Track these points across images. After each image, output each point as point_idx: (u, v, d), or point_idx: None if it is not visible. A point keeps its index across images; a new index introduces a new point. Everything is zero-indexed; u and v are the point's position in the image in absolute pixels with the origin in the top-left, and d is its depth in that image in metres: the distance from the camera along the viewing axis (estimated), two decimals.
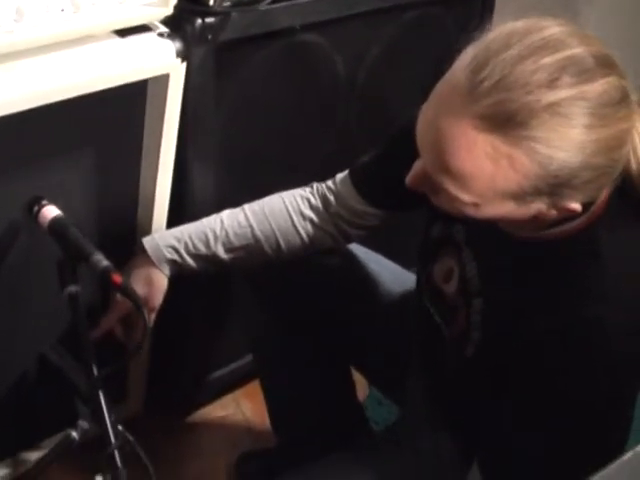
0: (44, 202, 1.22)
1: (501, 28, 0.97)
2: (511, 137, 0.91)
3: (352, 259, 1.49)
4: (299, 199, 1.37)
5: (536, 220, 1.02)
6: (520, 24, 0.96)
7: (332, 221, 1.37)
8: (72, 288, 1.17)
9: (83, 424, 1.23)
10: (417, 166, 1.04)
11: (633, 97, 0.96)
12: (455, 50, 0.98)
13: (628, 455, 0.78)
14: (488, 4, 1.82)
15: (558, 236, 1.06)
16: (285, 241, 1.36)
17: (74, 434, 1.23)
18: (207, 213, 1.38)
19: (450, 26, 1.75)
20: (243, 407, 1.90)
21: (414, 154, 1.05)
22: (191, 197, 1.45)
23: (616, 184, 1.02)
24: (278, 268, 1.41)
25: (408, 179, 1.05)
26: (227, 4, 1.29)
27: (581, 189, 0.96)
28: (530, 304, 1.08)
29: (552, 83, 0.91)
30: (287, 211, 1.36)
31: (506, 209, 0.98)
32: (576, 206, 0.98)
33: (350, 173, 1.37)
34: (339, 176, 1.38)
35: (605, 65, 0.94)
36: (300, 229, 1.36)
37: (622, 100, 0.94)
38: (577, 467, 0.89)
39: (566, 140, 0.92)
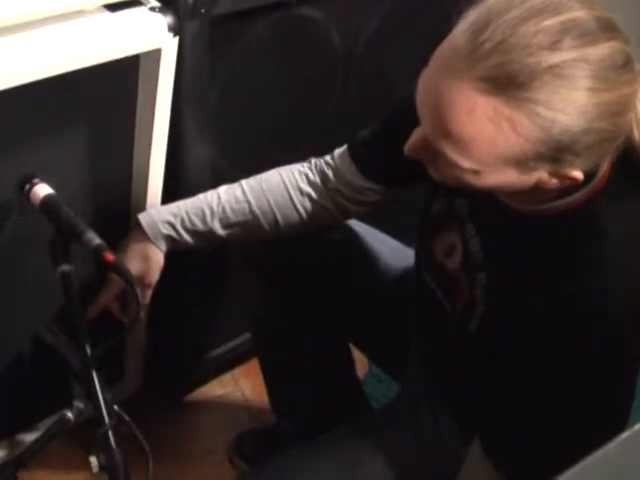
0: (35, 180, 1.20)
1: None
2: (512, 99, 0.89)
3: (350, 234, 1.48)
4: (297, 174, 1.35)
5: (537, 190, 1.00)
6: None
7: (331, 197, 1.35)
8: (64, 267, 1.15)
9: (78, 404, 1.22)
10: (416, 134, 1.02)
11: (637, 65, 0.94)
12: (456, 13, 0.95)
13: (627, 434, 0.77)
14: None
15: (560, 210, 1.04)
16: (283, 217, 1.34)
17: (69, 414, 1.22)
18: (202, 189, 1.37)
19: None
20: (242, 385, 1.89)
21: (413, 128, 1.03)
22: (186, 173, 1.43)
23: (618, 155, 1.01)
24: (275, 244, 1.39)
25: (407, 147, 1.03)
26: None
27: (583, 155, 0.94)
28: (533, 277, 1.07)
29: (554, 45, 0.89)
30: (285, 187, 1.34)
31: (507, 177, 0.97)
32: (578, 174, 0.96)
33: (349, 148, 1.35)
34: (337, 151, 1.36)
35: (608, 29, 0.92)
36: (298, 205, 1.34)
37: (625, 64, 0.92)
38: (578, 440, 0.88)
39: (568, 103, 0.90)
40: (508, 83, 0.89)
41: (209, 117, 1.40)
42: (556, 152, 0.93)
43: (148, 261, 1.31)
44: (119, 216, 1.39)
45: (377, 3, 1.58)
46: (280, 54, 1.46)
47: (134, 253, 1.31)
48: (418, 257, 1.36)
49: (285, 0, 1.40)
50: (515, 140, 0.91)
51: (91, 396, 1.12)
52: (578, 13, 0.91)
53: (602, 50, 0.90)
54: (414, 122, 1.02)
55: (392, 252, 1.51)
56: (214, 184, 1.38)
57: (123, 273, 1.11)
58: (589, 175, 1.02)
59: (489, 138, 0.92)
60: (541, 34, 0.89)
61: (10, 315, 1.35)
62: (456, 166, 0.97)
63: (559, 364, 1.05)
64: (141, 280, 1.31)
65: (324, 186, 1.35)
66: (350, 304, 1.49)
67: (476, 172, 0.97)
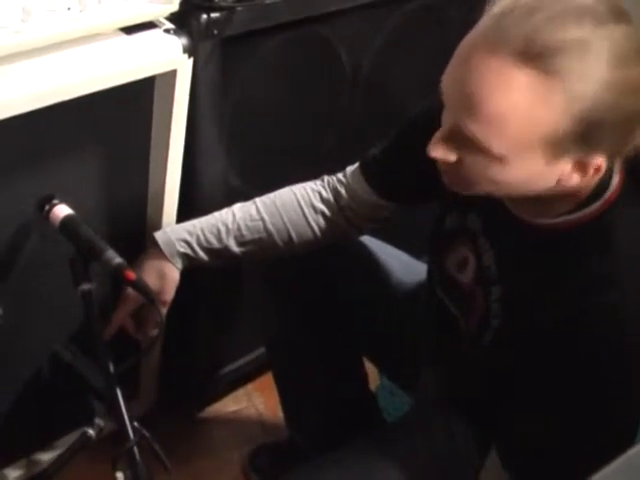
0: (55, 201, 1.22)
1: None
2: (544, 71, 0.92)
3: (363, 250, 1.50)
4: (310, 192, 1.37)
5: (554, 198, 1.02)
6: None
7: (343, 214, 1.37)
8: (85, 286, 1.17)
9: (99, 421, 1.24)
10: (440, 131, 1.03)
11: None
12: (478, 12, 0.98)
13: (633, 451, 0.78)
14: None
15: (574, 223, 1.06)
16: (297, 234, 1.36)
17: (90, 432, 1.24)
18: (216, 207, 1.39)
19: (452, 16, 1.74)
20: (255, 401, 1.91)
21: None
22: (200, 191, 1.45)
23: (629, 168, 1.03)
24: (291, 261, 1.41)
25: (430, 145, 1.04)
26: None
27: (608, 138, 0.96)
28: (547, 291, 1.09)
29: (579, 20, 0.92)
30: (299, 204, 1.36)
31: (533, 167, 0.98)
32: (601, 162, 0.97)
33: (361, 166, 1.37)
34: (349, 169, 1.38)
35: (622, 15, 0.96)
36: (312, 222, 1.36)
37: None
38: (592, 451, 0.90)
39: (596, 74, 0.92)
40: (539, 55, 0.92)
41: (222, 135, 1.42)
42: (584, 130, 0.94)
43: (164, 278, 1.33)
44: (135, 235, 1.40)
45: (382, 22, 1.60)
46: (290, 72, 1.48)
47: (151, 270, 1.32)
48: (430, 272, 1.38)
49: (293, 19, 1.42)
50: (546, 114, 0.93)
51: (114, 413, 1.13)
52: (590, 2, 0.95)
53: (624, 29, 0.94)
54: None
55: (404, 267, 1.53)
56: (227, 202, 1.39)
57: (145, 291, 1.13)
58: (601, 189, 1.04)
59: (522, 112, 0.93)
60: (566, 12, 0.93)
61: (28, 333, 1.37)
62: (485, 152, 0.97)
63: (574, 376, 1.07)
64: (157, 298, 1.32)
65: (337, 203, 1.37)
66: (363, 318, 1.51)
67: (503, 160, 0.97)
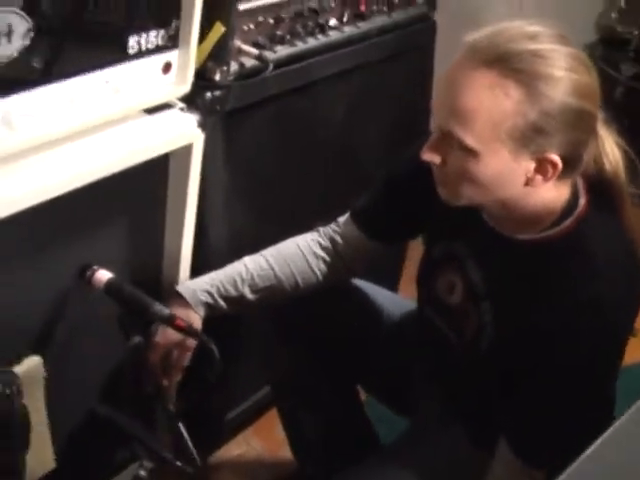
0: (95, 267, 1.36)
1: None
2: (503, 71, 1.17)
3: (356, 291, 1.68)
4: (311, 242, 1.56)
5: (533, 211, 1.25)
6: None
7: (341, 258, 1.56)
8: (136, 339, 1.31)
9: (147, 464, 1.38)
10: (432, 136, 1.26)
11: None
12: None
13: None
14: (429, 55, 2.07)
15: (552, 237, 1.27)
16: (302, 279, 1.54)
17: (142, 473, 1.37)
18: (222, 261, 1.54)
19: (399, 79, 1.98)
20: (254, 444, 2.04)
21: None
22: (208, 248, 1.60)
23: (594, 187, 1.26)
24: (296, 305, 1.58)
25: (424, 149, 1.26)
26: (230, 78, 1.47)
27: (559, 135, 1.18)
28: (534, 298, 1.29)
29: (534, 38, 1.19)
30: (302, 253, 1.54)
31: (502, 161, 1.19)
32: (556, 159, 1.20)
33: (351, 215, 1.56)
34: (341, 219, 1.58)
35: (569, 41, 1.22)
36: (315, 268, 1.54)
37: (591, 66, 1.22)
38: (588, 421, 1.15)
39: (548, 75, 1.17)
40: (499, 60, 1.17)
41: (224, 197, 1.59)
42: (540, 124, 1.17)
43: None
44: (151, 290, 1.54)
45: (349, 87, 1.81)
46: (277, 138, 1.67)
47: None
48: (421, 300, 1.56)
49: (276, 93, 1.62)
50: (507, 107, 1.16)
51: (182, 447, 1.26)
52: (541, 28, 1.22)
53: (573, 48, 1.21)
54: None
55: (391, 301, 1.72)
56: (231, 256, 1.56)
57: (198, 335, 1.29)
58: (571, 207, 1.26)
59: (487, 107, 1.17)
60: (522, 33, 1.20)
61: (67, 392, 1.48)
62: (462, 147, 1.19)
63: (568, 359, 1.26)
64: (183, 344, 1.45)
65: (334, 249, 1.56)
66: (359, 352, 1.68)
67: (476, 155, 1.19)
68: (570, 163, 1.22)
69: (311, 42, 1.67)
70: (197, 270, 1.55)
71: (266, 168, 1.67)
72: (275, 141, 1.67)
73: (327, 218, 1.61)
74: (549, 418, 1.30)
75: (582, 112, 1.20)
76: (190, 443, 1.27)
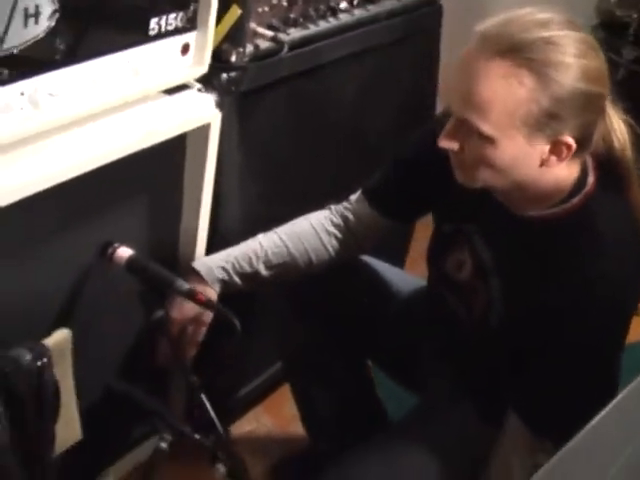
0: (116, 244, 1.39)
1: None
2: (516, 60, 1.19)
3: (366, 267, 1.72)
4: (323, 219, 1.59)
5: (542, 189, 1.28)
6: None
7: (352, 235, 1.60)
8: (159, 313, 1.35)
9: (167, 436, 1.41)
10: (449, 123, 1.28)
11: None
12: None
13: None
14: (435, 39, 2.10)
15: (560, 214, 1.31)
16: (316, 256, 1.58)
17: (163, 445, 1.40)
18: (236, 240, 1.58)
19: (406, 62, 2.02)
20: (264, 421, 2.08)
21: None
22: (223, 226, 1.64)
23: (602, 165, 1.30)
24: (310, 282, 1.62)
25: (441, 136, 1.29)
26: (245, 60, 1.51)
27: (573, 115, 1.22)
28: (541, 275, 1.32)
29: (545, 25, 1.22)
30: (315, 230, 1.58)
31: (518, 146, 1.23)
32: (570, 140, 1.23)
33: (363, 192, 1.60)
34: (353, 197, 1.61)
35: (578, 26, 1.25)
36: (327, 245, 1.58)
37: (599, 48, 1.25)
38: (597, 392, 1.16)
39: (559, 62, 1.20)
40: (512, 50, 1.20)
41: (240, 175, 1.63)
42: (553, 109, 1.20)
43: None
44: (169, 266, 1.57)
45: (359, 69, 1.84)
46: (290, 118, 1.71)
47: None
48: (431, 275, 1.60)
49: (289, 75, 1.65)
50: (521, 95, 1.19)
51: (205, 416, 1.30)
52: (551, 15, 1.24)
53: (580, 33, 1.24)
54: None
55: (399, 277, 1.76)
56: (245, 234, 1.59)
57: (218, 308, 1.32)
58: (580, 185, 1.29)
59: (502, 96, 1.20)
60: (534, 20, 1.22)
61: (88, 367, 1.52)
62: (479, 135, 1.23)
63: (577, 339, 1.30)
64: (198, 318, 1.49)
65: (346, 226, 1.60)
66: (370, 328, 1.72)
67: (493, 141, 1.23)
68: (583, 143, 1.26)
69: (322, 25, 1.70)
70: (212, 247, 1.59)
71: (279, 148, 1.71)
72: (288, 122, 1.70)
73: (338, 198, 1.64)
74: (558, 391, 1.34)
75: (592, 95, 1.23)
76: (213, 413, 1.31)
